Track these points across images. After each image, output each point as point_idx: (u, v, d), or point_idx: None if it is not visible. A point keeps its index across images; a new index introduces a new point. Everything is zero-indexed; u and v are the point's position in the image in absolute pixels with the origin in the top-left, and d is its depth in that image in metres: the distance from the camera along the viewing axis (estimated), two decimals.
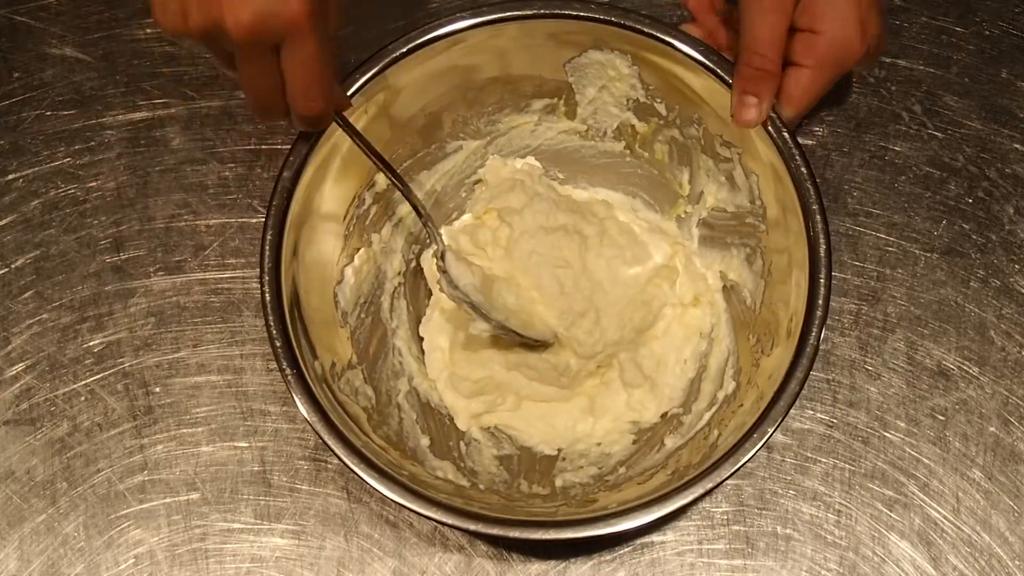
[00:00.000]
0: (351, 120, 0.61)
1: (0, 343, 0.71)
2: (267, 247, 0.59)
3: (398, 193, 0.68)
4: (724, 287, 0.68)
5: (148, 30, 0.77)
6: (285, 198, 0.59)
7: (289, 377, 0.57)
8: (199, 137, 0.75)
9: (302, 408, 0.57)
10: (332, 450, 0.56)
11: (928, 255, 0.72)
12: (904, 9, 0.76)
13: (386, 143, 0.65)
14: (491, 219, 0.71)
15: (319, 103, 0.54)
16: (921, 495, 0.67)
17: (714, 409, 0.64)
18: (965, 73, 0.75)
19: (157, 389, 0.70)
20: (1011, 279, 0.71)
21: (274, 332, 0.57)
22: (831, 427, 0.69)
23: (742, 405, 0.60)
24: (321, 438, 0.56)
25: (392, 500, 0.55)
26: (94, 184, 0.74)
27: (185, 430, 0.69)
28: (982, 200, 0.73)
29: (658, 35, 0.60)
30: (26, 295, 0.72)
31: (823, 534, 0.67)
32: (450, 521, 0.55)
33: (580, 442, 0.68)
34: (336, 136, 0.61)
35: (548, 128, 0.70)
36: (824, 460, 0.68)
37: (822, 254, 0.57)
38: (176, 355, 0.71)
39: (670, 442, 0.65)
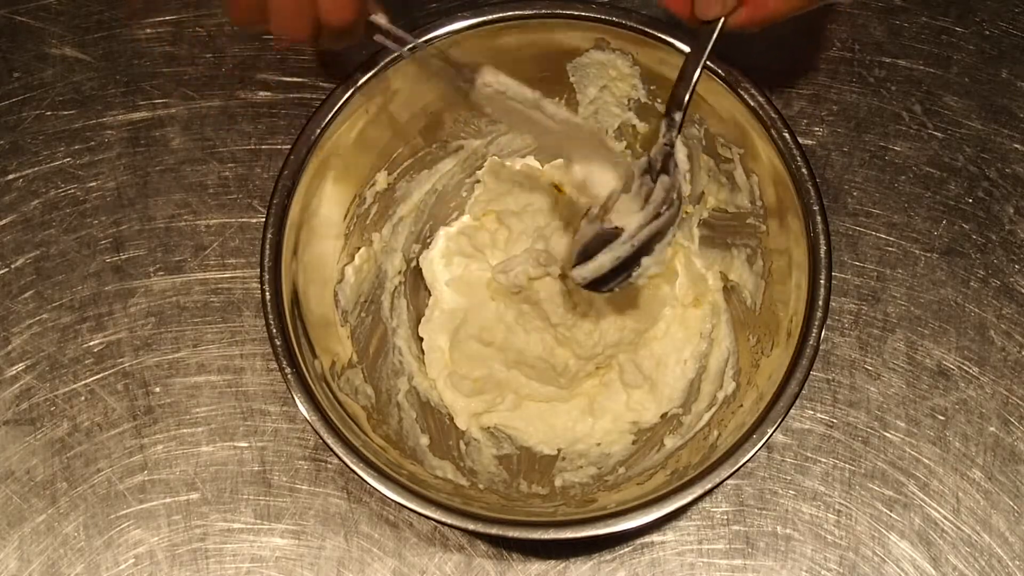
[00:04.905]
0: (351, 121, 0.61)
1: (0, 343, 0.71)
2: (267, 246, 0.59)
3: (399, 192, 0.69)
4: (724, 288, 0.68)
5: (148, 30, 0.77)
6: (285, 197, 0.59)
7: (289, 376, 0.57)
8: (199, 137, 0.75)
9: (302, 408, 0.57)
10: (332, 450, 0.56)
11: (928, 255, 0.72)
12: (904, 9, 0.76)
13: (387, 142, 0.65)
14: (489, 221, 0.71)
15: (351, 8, 0.50)
16: (921, 495, 0.67)
17: (714, 409, 0.64)
18: (965, 73, 0.75)
19: (157, 389, 0.70)
20: (1011, 279, 0.71)
21: (274, 331, 0.57)
22: (831, 427, 0.69)
23: (742, 405, 0.60)
24: (321, 438, 0.56)
25: (392, 500, 0.55)
26: (94, 184, 0.74)
27: (185, 430, 0.69)
28: (982, 200, 0.73)
29: (659, 35, 0.60)
30: (26, 295, 0.72)
31: (823, 534, 0.67)
32: (450, 521, 0.55)
33: (580, 442, 0.68)
34: (337, 136, 0.61)
35: None
36: (824, 460, 0.68)
37: (822, 255, 0.57)
38: (176, 355, 0.71)
39: (670, 442, 0.65)
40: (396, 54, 0.60)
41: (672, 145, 0.58)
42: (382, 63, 0.60)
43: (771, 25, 0.57)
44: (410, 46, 0.58)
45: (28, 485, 0.69)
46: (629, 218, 0.58)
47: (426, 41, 0.59)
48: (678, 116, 0.57)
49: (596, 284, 0.60)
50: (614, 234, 0.58)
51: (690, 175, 0.68)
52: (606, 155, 0.59)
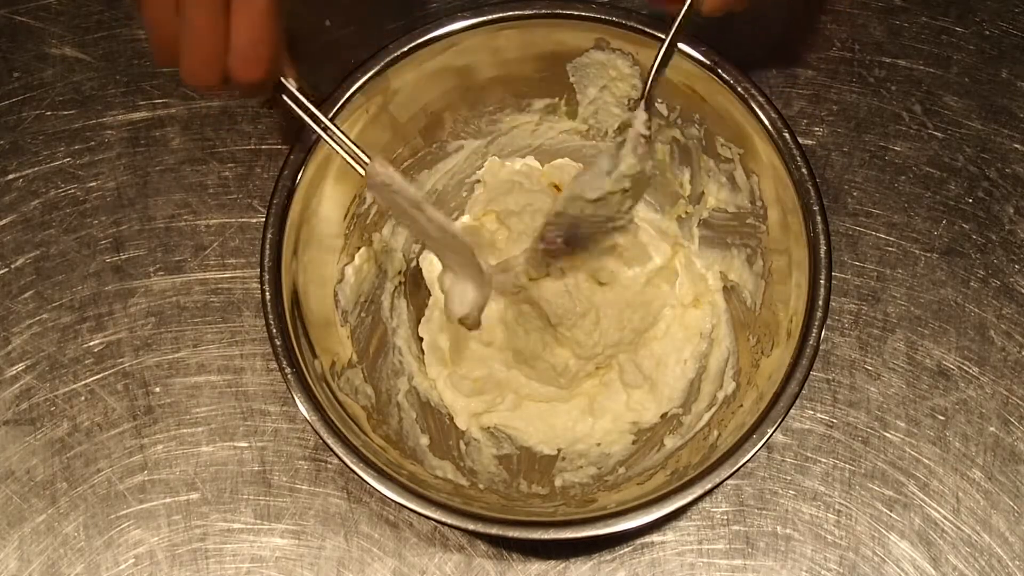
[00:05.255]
0: (351, 121, 0.61)
1: (0, 343, 0.71)
2: (267, 246, 0.59)
3: None
4: (724, 287, 0.68)
5: None
6: (285, 197, 0.59)
7: (289, 376, 0.57)
8: (199, 137, 0.75)
9: (302, 408, 0.57)
10: (332, 450, 0.56)
11: (928, 255, 0.72)
12: (904, 9, 0.76)
13: (387, 143, 0.65)
14: (489, 221, 0.71)
15: (261, 69, 0.50)
16: (921, 495, 0.67)
17: (714, 409, 0.64)
18: (965, 73, 0.75)
19: (157, 389, 0.70)
20: (1011, 279, 0.71)
21: (274, 331, 0.57)
22: (831, 427, 0.69)
23: (742, 405, 0.60)
24: (321, 438, 0.56)
25: (392, 500, 0.55)
26: (94, 184, 0.74)
27: (185, 430, 0.69)
28: (982, 200, 0.73)
29: (659, 35, 0.60)
30: (26, 295, 0.72)
31: (823, 534, 0.67)
32: (450, 521, 0.55)
33: (580, 442, 0.68)
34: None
35: (549, 128, 0.70)
36: (824, 460, 0.68)
37: (822, 255, 0.57)
38: (176, 355, 0.71)
39: (670, 442, 0.65)
40: (396, 54, 0.60)
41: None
42: (382, 63, 0.60)
43: (748, 8, 0.56)
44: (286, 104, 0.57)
45: (28, 485, 0.69)
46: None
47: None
48: (643, 88, 0.57)
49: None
50: None
51: (689, 174, 0.68)
52: (474, 273, 0.60)
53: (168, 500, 0.68)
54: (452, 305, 0.61)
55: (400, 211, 0.58)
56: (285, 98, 0.55)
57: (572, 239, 0.63)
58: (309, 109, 0.56)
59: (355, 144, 0.57)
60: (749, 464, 0.59)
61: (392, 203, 0.57)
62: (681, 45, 0.59)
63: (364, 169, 0.56)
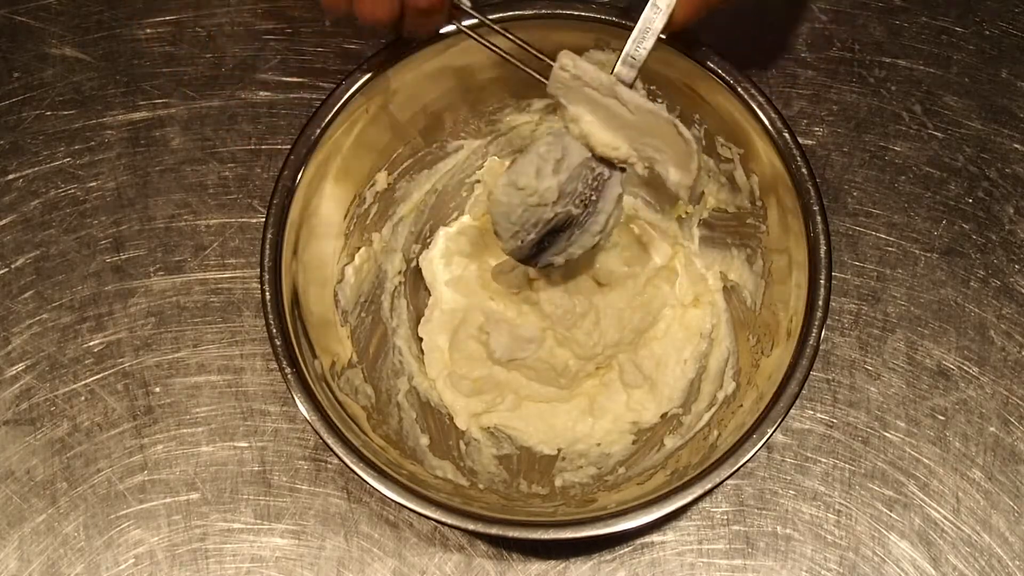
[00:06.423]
0: (351, 121, 0.61)
1: (0, 343, 0.71)
2: (267, 246, 0.59)
3: (399, 192, 0.69)
4: (724, 288, 0.69)
5: (148, 30, 0.77)
6: (285, 197, 0.59)
7: (289, 377, 0.57)
8: (199, 137, 0.75)
9: (302, 408, 0.57)
10: (332, 450, 0.56)
11: (928, 255, 0.72)
12: (904, 9, 0.76)
13: (387, 143, 0.65)
14: (489, 221, 0.71)
15: None
16: (921, 495, 0.67)
17: (714, 409, 0.64)
18: (965, 73, 0.75)
19: (157, 389, 0.70)
20: (1011, 279, 0.71)
21: (274, 331, 0.58)
22: (831, 427, 0.69)
23: (742, 405, 0.60)
24: (321, 438, 0.56)
25: (392, 500, 0.55)
26: (94, 184, 0.74)
27: (185, 430, 0.69)
28: (982, 200, 0.73)
29: (658, 35, 0.60)
30: (26, 295, 0.72)
31: (823, 534, 0.67)
32: (450, 521, 0.55)
33: (580, 442, 0.68)
34: (337, 135, 0.61)
35: (549, 128, 0.70)
36: (824, 460, 0.68)
37: (822, 255, 0.57)
38: (176, 355, 0.71)
39: (670, 442, 0.65)
40: (397, 53, 0.60)
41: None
42: (383, 63, 0.60)
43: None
44: (468, 21, 0.57)
45: (28, 485, 0.69)
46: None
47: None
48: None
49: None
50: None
51: None
52: (679, 149, 0.57)
53: (168, 500, 0.68)
54: (667, 184, 0.58)
55: (591, 104, 0.56)
56: (456, 23, 0.56)
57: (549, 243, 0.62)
58: (484, 22, 0.56)
59: (539, 53, 0.56)
60: (749, 464, 0.59)
61: (581, 98, 0.56)
62: (681, 45, 0.59)
63: (554, 65, 0.54)
